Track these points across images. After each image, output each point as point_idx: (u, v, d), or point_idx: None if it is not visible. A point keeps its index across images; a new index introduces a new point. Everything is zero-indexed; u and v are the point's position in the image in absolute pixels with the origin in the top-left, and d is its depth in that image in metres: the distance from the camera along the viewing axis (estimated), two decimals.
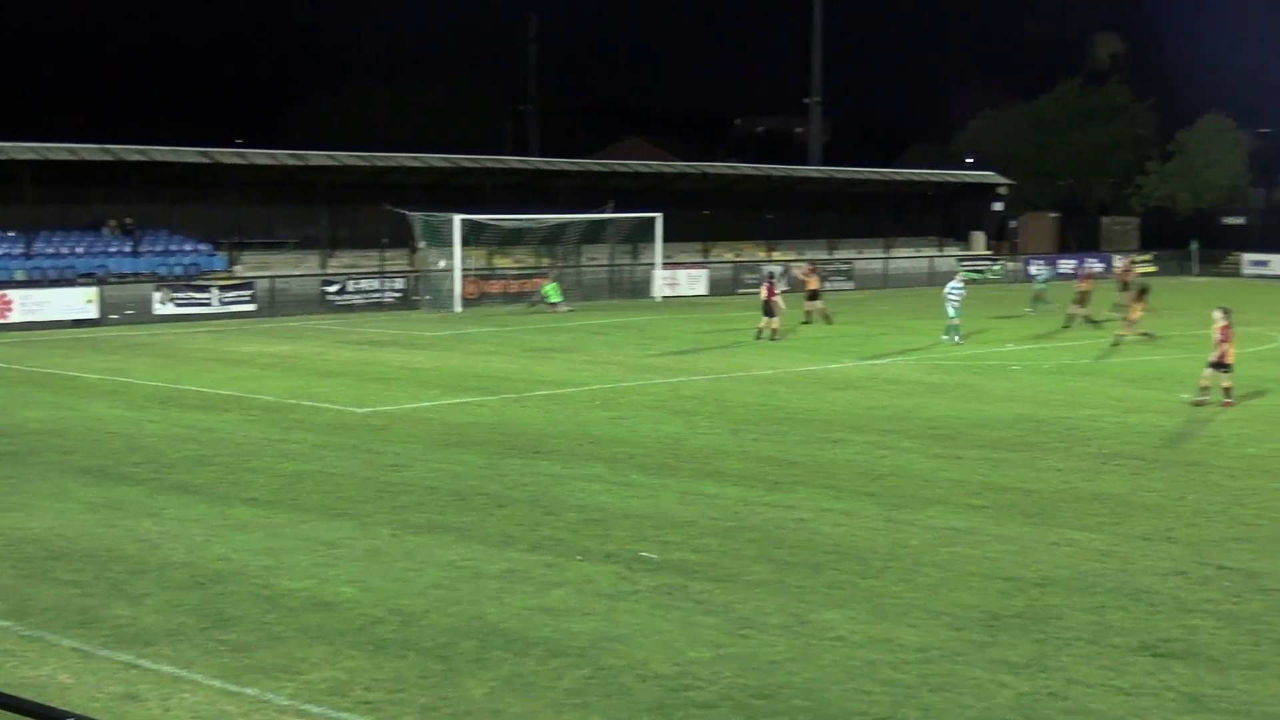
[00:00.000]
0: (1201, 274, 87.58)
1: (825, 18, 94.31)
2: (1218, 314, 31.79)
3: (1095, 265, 63.68)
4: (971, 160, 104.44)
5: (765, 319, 46.09)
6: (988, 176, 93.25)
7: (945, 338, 45.32)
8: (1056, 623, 15.52)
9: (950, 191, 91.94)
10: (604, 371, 37.59)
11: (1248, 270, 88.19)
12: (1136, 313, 44.80)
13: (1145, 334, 44.59)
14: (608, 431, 27.77)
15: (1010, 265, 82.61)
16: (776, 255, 75.11)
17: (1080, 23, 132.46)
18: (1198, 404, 31.08)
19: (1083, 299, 51.56)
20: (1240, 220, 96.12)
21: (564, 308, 57.24)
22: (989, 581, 17.09)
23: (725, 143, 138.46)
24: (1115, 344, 43.98)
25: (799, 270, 60.88)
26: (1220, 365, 31.40)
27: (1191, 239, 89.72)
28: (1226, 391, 31.45)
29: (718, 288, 68.69)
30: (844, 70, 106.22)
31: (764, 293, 46.79)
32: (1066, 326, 50.33)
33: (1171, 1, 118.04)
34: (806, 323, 50.74)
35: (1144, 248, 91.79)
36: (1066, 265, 77.97)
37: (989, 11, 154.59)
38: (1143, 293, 46.04)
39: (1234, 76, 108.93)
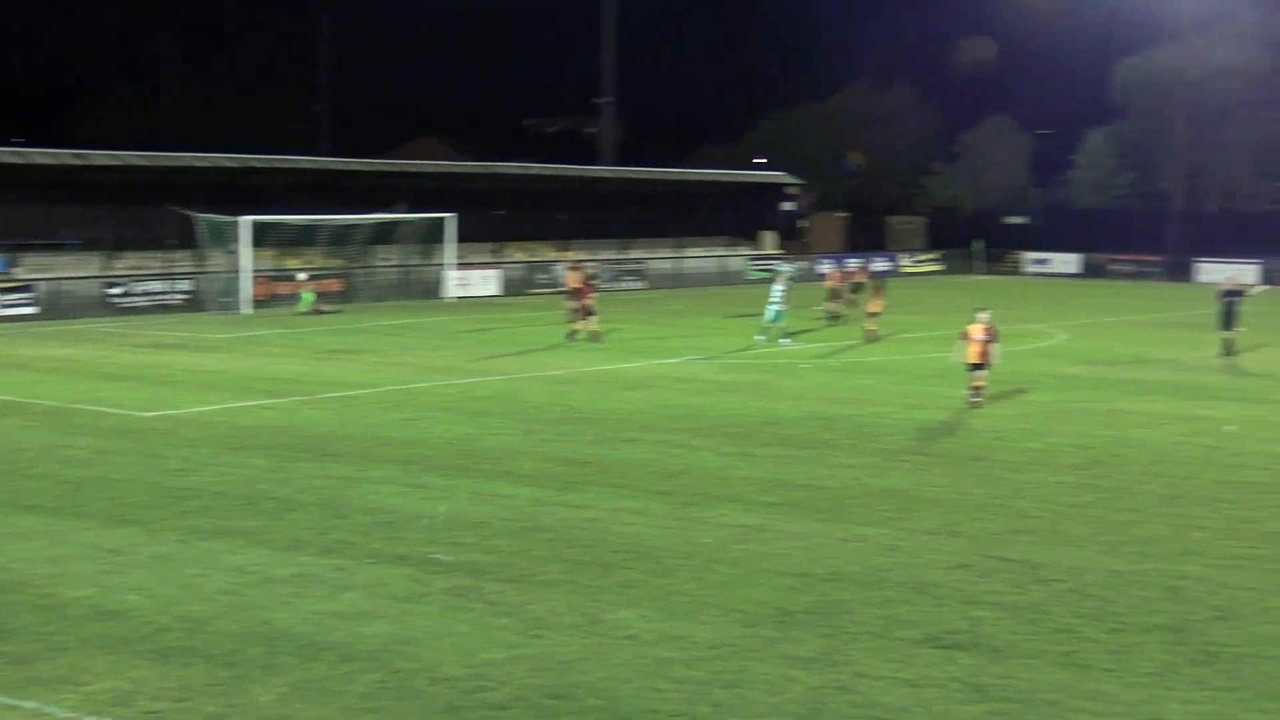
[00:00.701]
0: (985, 272, 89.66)
1: (616, 17, 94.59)
2: (982, 315, 32.17)
3: (850, 264, 64.96)
4: (763, 160, 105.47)
5: (581, 320, 45.49)
6: (778, 176, 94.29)
7: (760, 338, 45.05)
8: (845, 617, 15.78)
9: (741, 191, 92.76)
10: (395, 373, 37.31)
11: (1029, 269, 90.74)
12: (875, 306, 47.07)
13: (873, 330, 46.39)
14: (399, 433, 27.59)
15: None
16: (569, 255, 75.08)
17: (869, 24, 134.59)
18: (973, 404, 31.57)
19: (835, 295, 53.72)
20: (1022, 220, 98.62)
21: (326, 308, 56.30)
22: (780, 578, 17.32)
23: (519, 143, 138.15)
24: (868, 340, 45.22)
25: (562, 267, 60.16)
26: (978, 366, 31.74)
27: (974, 238, 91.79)
28: (977, 390, 31.86)
29: (510, 288, 68.55)
30: (635, 70, 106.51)
31: (579, 293, 46.00)
32: (834, 321, 51.62)
33: (954, 5, 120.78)
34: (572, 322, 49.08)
35: (929, 247, 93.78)
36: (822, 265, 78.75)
37: (779, 12, 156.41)
38: (879, 289, 47.92)
39: (1015, 79, 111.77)
